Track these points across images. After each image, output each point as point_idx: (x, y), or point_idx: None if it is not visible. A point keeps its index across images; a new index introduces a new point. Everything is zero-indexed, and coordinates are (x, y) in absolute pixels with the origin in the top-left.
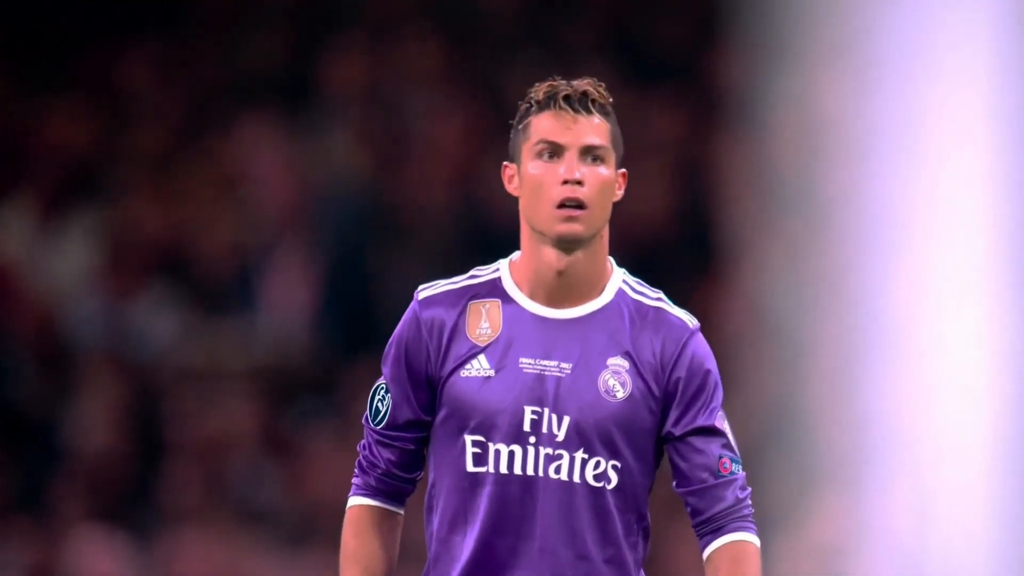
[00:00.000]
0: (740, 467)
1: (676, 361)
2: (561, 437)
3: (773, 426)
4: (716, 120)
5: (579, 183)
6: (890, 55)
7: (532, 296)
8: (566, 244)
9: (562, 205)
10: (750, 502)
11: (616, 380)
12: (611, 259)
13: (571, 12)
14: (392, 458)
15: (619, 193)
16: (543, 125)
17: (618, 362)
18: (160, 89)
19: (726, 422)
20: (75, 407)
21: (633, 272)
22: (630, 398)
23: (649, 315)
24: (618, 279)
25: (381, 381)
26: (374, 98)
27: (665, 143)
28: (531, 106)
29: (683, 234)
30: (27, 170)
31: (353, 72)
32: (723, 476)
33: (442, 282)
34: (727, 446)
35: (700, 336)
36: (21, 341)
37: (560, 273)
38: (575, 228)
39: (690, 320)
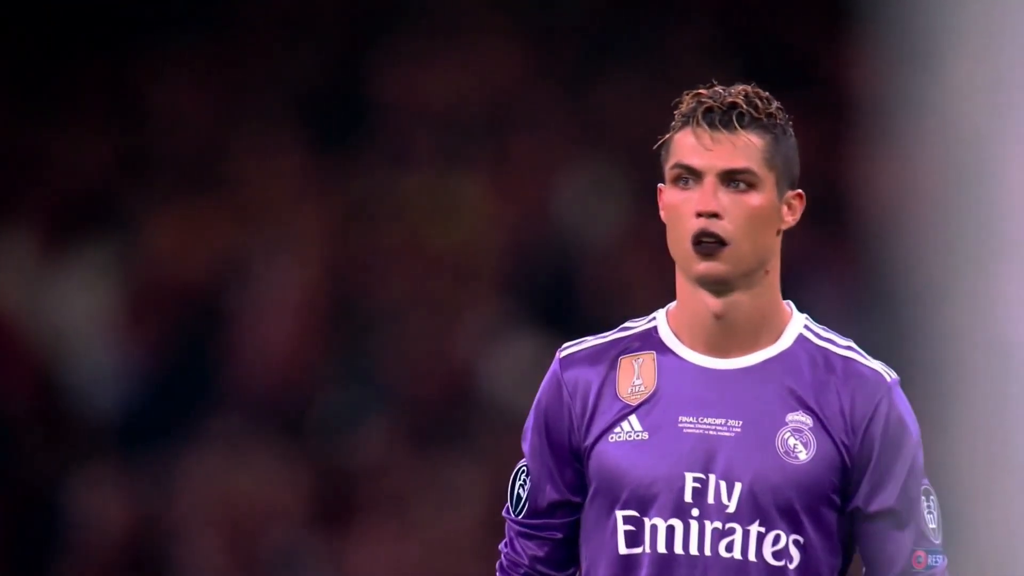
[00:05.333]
0: (940, 557)
1: (871, 421)
2: (732, 508)
3: None
4: (849, 133)
5: (716, 215)
6: None
7: (692, 346)
8: (712, 286)
9: (698, 241)
10: None
11: (797, 439)
12: (790, 303)
13: (674, 8)
14: (538, 553)
15: (790, 220)
16: (681, 145)
17: (799, 419)
18: (187, 101)
19: (930, 498)
20: (83, 479)
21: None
22: (814, 460)
23: (837, 366)
24: (799, 323)
25: (521, 463)
26: (433, 115)
27: None
28: (675, 120)
29: (812, 259)
30: (28, 197)
31: (406, 83)
32: (915, 572)
33: (589, 338)
34: (924, 534)
35: (899, 391)
36: (18, 402)
37: (719, 317)
38: (715, 268)
39: (887, 372)
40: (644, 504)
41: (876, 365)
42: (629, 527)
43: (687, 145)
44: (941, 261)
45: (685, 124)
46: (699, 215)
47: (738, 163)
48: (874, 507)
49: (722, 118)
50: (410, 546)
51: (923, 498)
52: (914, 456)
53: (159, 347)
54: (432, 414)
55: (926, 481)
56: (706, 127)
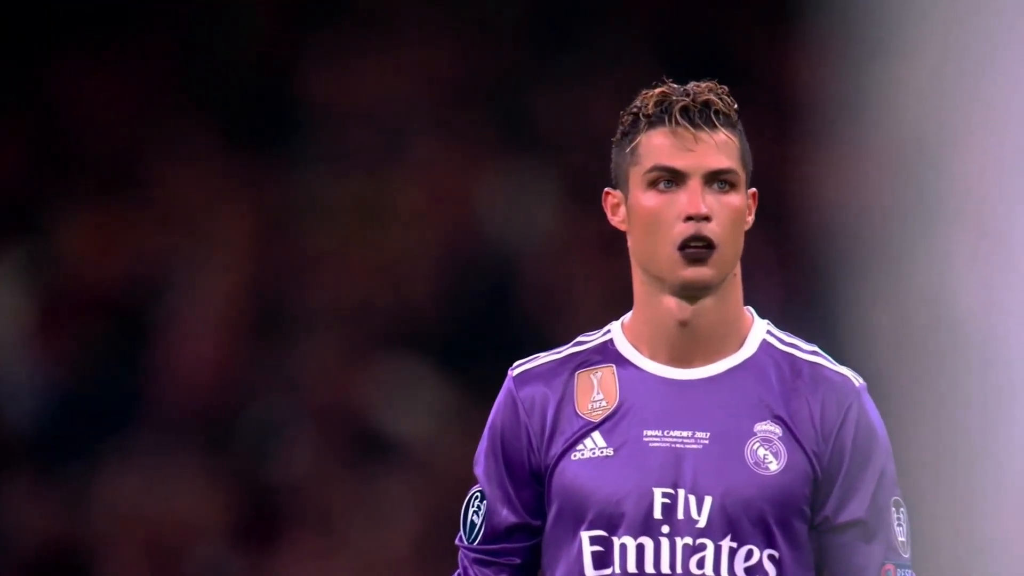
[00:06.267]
0: (909, 572)
1: (841, 428)
2: (702, 523)
3: None
4: (791, 133)
5: (706, 218)
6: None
7: (653, 356)
8: (692, 291)
9: (685, 246)
10: None
11: (767, 450)
12: (750, 308)
13: (609, 7)
14: None
15: (750, 220)
16: (656, 146)
17: (768, 428)
18: (102, 99)
19: (900, 510)
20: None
21: None
22: (785, 471)
23: (804, 371)
24: (761, 329)
25: (475, 488)
26: (361, 115)
27: None
28: (639, 120)
29: (755, 260)
30: None
31: (333, 81)
32: None
33: (541, 355)
34: (894, 547)
35: (868, 397)
36: None
37: (684, 324)
38: (703, 273)
39: (855, 378)
40: (612, 523)
41: (843, 370)
42: (597, 548)
43: (663, 146)
44: (885, 258)
45: (655, 124)
46: (689, 219)
47: (724, 163)
48: (843, 518)
49: (700, 116)
50: (339, 563)
51: (893, 509)
52: (884, 464)
53: (76, 357)
54: (361, 427)
55: (897, 492)
56: (688, 126)
